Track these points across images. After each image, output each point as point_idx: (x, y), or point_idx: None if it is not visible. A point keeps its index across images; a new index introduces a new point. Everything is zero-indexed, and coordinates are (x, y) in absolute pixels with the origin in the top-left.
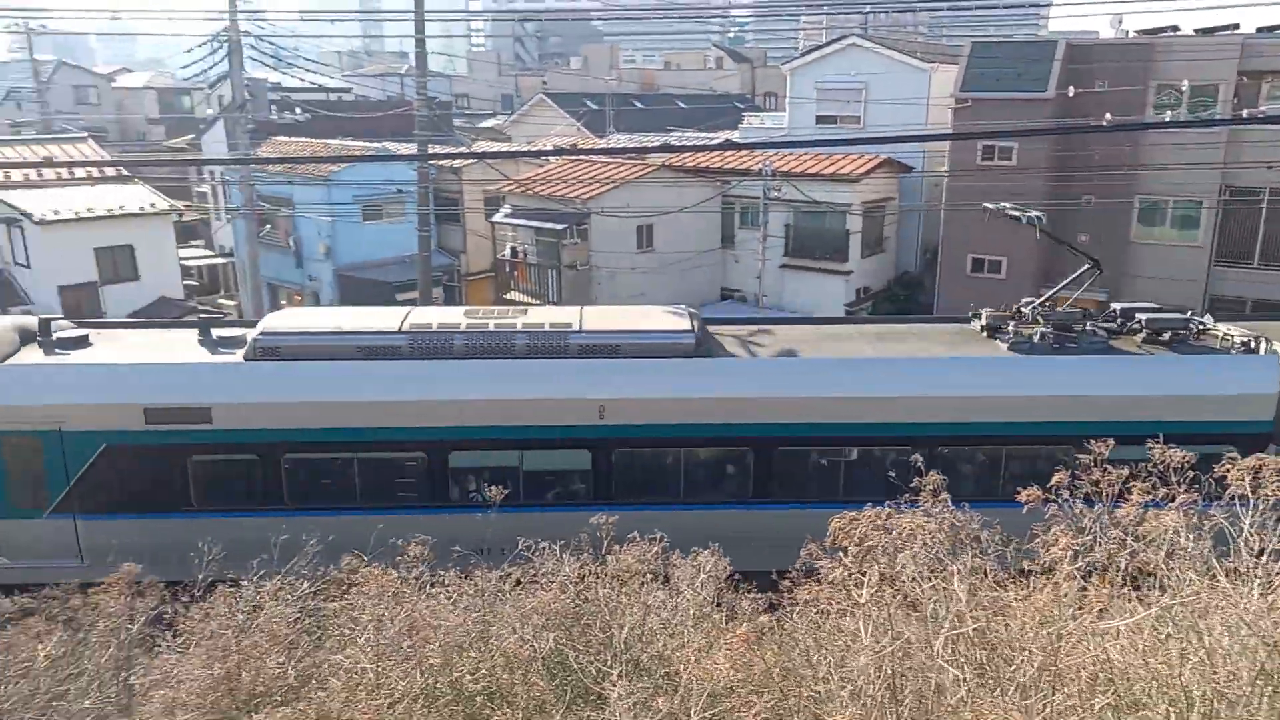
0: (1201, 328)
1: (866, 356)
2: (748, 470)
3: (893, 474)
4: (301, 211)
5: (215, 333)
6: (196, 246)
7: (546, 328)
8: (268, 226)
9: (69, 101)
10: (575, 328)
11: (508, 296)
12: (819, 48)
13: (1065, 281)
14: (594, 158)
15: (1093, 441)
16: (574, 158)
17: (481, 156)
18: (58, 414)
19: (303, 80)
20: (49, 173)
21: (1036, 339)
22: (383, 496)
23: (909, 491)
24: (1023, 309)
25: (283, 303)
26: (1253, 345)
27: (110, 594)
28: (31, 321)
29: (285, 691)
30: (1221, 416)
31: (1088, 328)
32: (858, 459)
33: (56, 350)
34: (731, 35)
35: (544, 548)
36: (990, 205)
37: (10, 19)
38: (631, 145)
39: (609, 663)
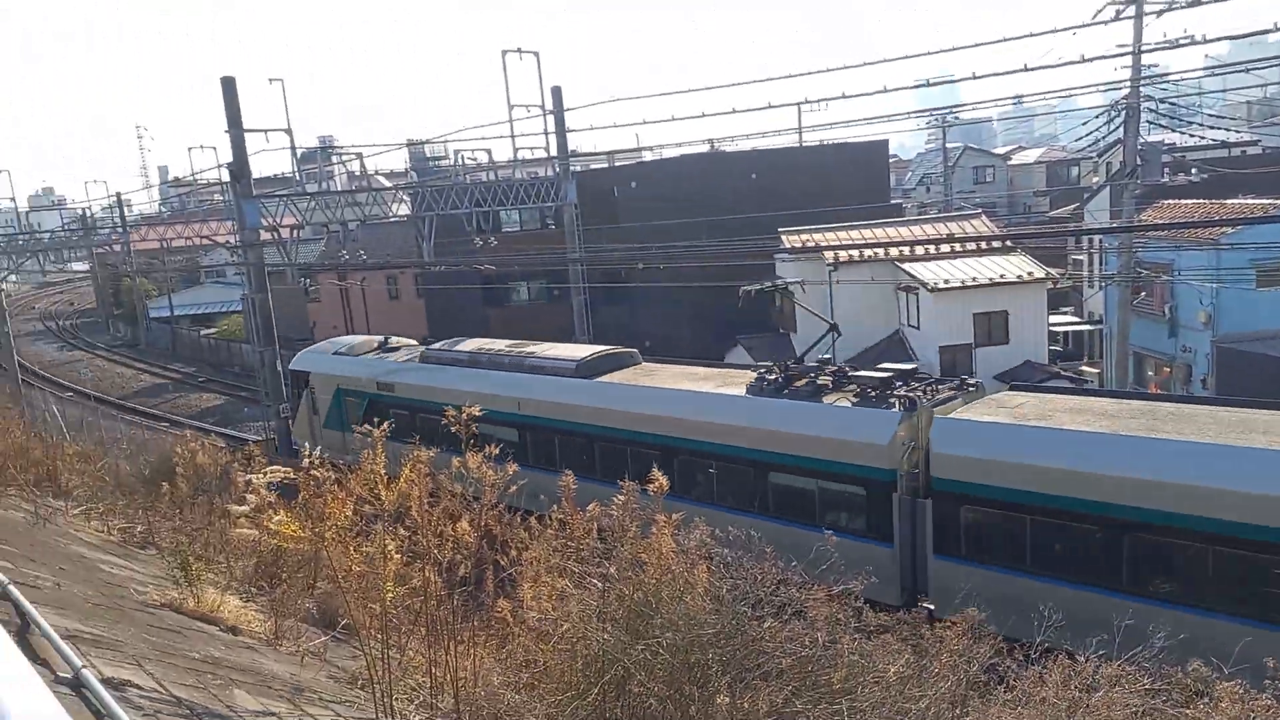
0: (902, 385)
1: (655, 386)
2: (587, 452)
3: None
4: (1183, 278)
5: (433, 347)
6: (1065, 313)
7: (523, 353)
8: (1142, 294)
9: (968, 181)
10: (537, 355)
11: None
12: None
13: (813, 344)
14: None
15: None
16: None
17: None
18: (338, 379)
19: (1200, 138)
20: (945, 246)
21: (766, 385)
22: (439, 442)
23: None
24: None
25: (1149, 374)
26: (910, 405)
27: (953, 630)
28: (382, 338)
29: None
30: (852, 460)
31: (809, 378)
32: (631, 455)
33: (380, 350)
34: None
35: None
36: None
37: (928, 116)
38: None
39: None
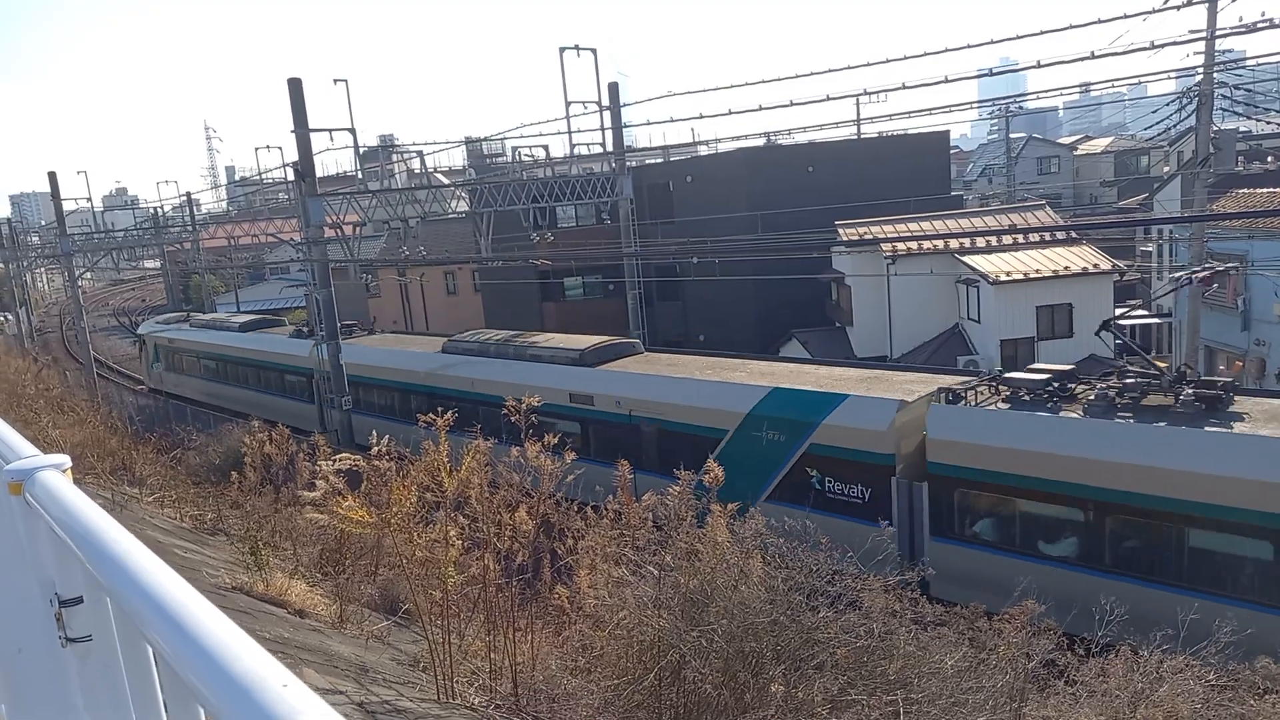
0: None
1: (273, 335)
2: (240, 372)
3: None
4: (1256, 269)
5: (197, 318)
6: (1133, 306)
7: (226, 319)
8: (1214, 285)
9: (1033, 172)
10: (227, 320)
11: None
12: None
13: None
14: None
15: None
16: None
17: None
18: (156, 338)
19: (1278, 125)
20: (1007, 238)
21: (295, 333)
22: (189, 370)
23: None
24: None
25: (1220, 368)
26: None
27: (1012, 624)
28: (185, 314)
29: None
30: (303, 365)
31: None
32: (257, 376)
33: (180, 322)
34: None
35: None
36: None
37: (990, 106)
38: None
39: None
